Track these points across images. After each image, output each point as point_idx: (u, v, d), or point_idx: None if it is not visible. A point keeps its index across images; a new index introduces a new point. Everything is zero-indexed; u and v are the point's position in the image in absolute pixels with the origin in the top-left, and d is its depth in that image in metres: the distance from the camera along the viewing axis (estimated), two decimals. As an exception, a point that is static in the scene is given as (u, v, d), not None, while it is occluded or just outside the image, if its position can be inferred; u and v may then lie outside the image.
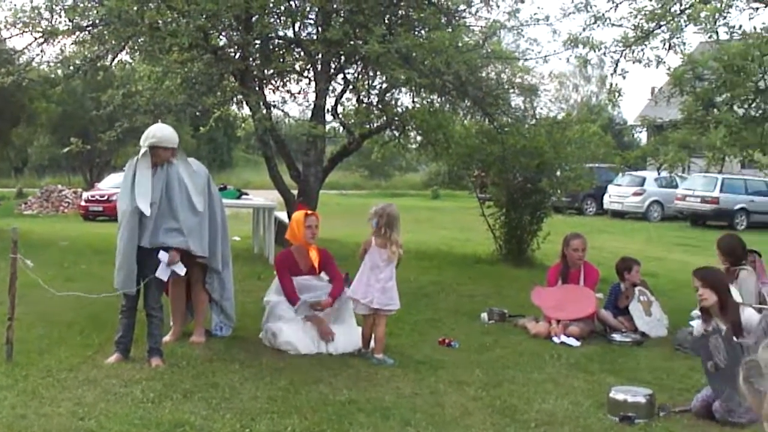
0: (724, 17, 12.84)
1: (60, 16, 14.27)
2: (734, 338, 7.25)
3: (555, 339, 10.46)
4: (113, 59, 16.18)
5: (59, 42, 14.89)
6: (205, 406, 7.02)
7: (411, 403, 7.47)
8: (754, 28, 12.91)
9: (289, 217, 15.90)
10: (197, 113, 16.79)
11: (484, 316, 11.68)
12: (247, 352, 9.01)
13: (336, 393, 7.66)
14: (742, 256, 10.95)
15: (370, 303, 9.01)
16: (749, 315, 7.25)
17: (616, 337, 10.82)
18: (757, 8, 12.86)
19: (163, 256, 8.40)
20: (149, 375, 7.92)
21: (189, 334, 9.57)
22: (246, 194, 18.25)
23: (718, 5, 12.57)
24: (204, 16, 13.21)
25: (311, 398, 7.44)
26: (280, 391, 7.61)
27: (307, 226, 9.54)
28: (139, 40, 14.79)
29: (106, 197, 28.33)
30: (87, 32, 14.66)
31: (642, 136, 45.86)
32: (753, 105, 13.18)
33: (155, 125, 8.91)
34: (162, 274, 8.44)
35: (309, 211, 9.85)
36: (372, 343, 9.17)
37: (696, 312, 10.73)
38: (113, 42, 14.60)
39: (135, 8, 13.28)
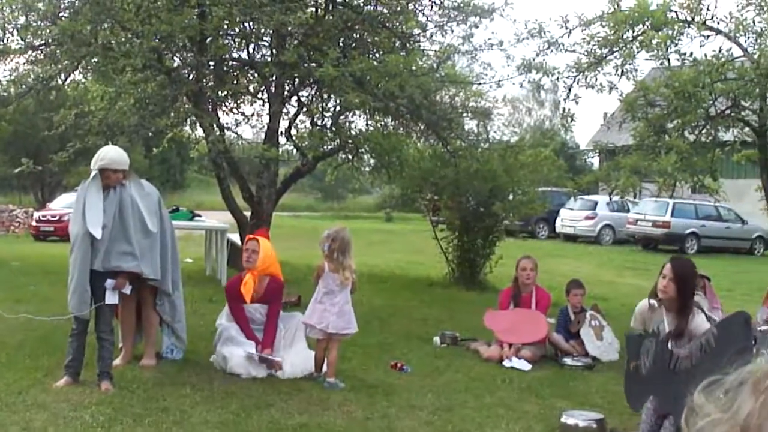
0: (676, 44, 13.06)
1: (12, 35, 14.18)
2: (668, 343, 7.29)
3: (506, 362, 10.49)
4: (66, 79, 16.07)
5: (11, 60, 14.78)
6: (155, 431, 6.97)
7: (363, 428, 7.47)
8: (705, 55, 13.14)
9: (242, 239, 15.86)
10: (150, 134, 16.68)
11: (437, 339, 11.69)
12: (198, 376, 8.94)
13: (287, 417, 7.63)
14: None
15: (325, 328, 8.97)
16: (700, 322, 7.24)
17: (568, 361, 10.87)
18: (708, 36, 13.06)
19: (109, 283, 8.33)
20: (99, 399, 7.84)
21: (140, 356, 9.49)
22: (198, 216, 18.17)
23: (670, 33, 12.76)
24: (158, 38, 13.17)
25: (262, 423, 7.40)
26: (231, 415, 7.57)
27: (244, 250, 9.48)
28: (93, 61, 14.71)
29: (57, 217, 28.05)
30: (40, 51, 14.56)
31: (594, 161, 46.22)
32: (703, 131, 13.37)
33: (105, 147, 8.84)
34: (110, 299, 8.38)
35: (252, 235, 9.79)
36: (324, 367, 9.14)
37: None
38: (66, 62, 14.51)
39: (88, 28, 13.21)
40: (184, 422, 7.27)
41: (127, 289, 8.58)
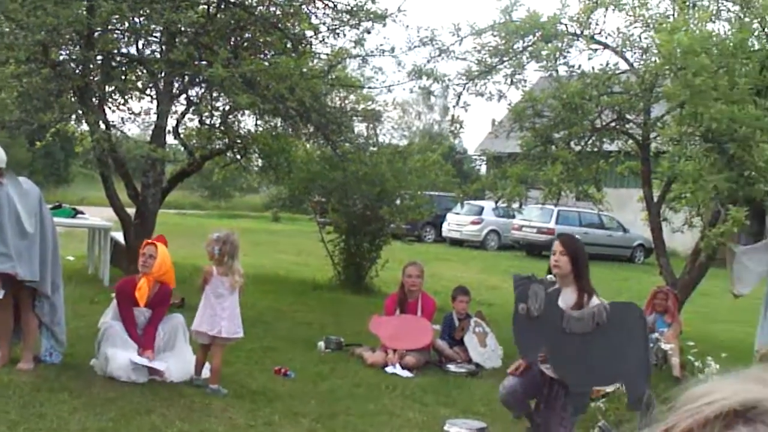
0: (565, 56, 13.25)
1: None
2: (557, 299, 7.42)
3: (389, 368, 10.52)
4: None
5: None
6: (31, 438, 6.81)
7: (245, 436, 7.40)
8: (593, 68, 13.37)
9: (126, 237, 15.61)
10: (33, 129, 16.31)
11: (321, 344, 11.66)
12: (77, 381, 8.74)
13: (168, 425, 7.53)
14: None
15: (218, 333, 8.86)
16: (595, 302, 7.37)
17: (451, 367, 10.95)
18: (596, 50, 13.27)
19: None
20: (-27, 404, 7.64)
21: (16, 360, 9.24)
22: (82, 213, 17.82)
23: (559, 45, 12.95)
24: (44, 30, 12.88)
25: (143, 430, 7.29)
26: (111, 422, 7.43)
27: (141, 254, 9.32)
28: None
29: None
30: None
31: (482, 166, 46.64)
32: (589, 142, 13.58)
33: None
34: None
35: (150, 240, 9.63)
36: (205, 372, 9.04)
37: None
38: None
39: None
40: (62, 429, 7.12)
41: (0, 293, 8.35)
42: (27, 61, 13.58)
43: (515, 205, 13.27)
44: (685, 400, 1.16)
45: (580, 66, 13.56)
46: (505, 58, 13.22)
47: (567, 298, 7.37)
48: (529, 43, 13.02)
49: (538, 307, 7.34)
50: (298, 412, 8.31)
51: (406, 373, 10.46)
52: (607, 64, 13.41)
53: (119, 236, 16.49)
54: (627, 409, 8.07)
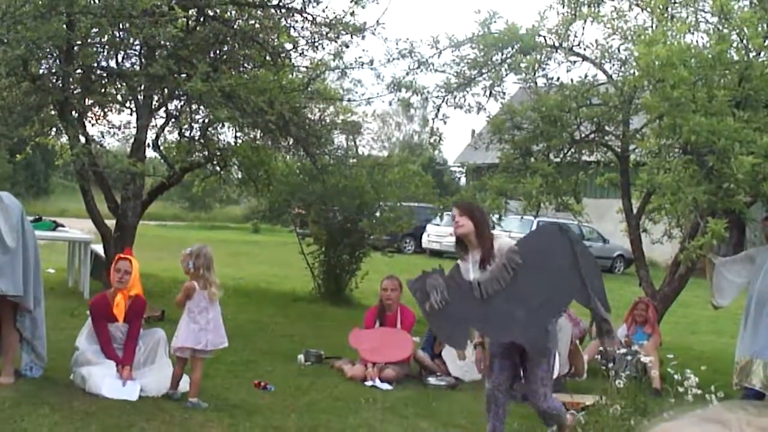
0: (543, 69, 13.32)
1: None
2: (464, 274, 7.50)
3: (369, 382, 10.55)
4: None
5: None
6: (12, 453, 6.81)
7: (225, 450, 7.42)
8: (572, 80, 13.43)
9: (105, 250, 15.60)
10: (13, 143, 16.28)
11: (301, 357, 11.69)
12: (57, 395, 8.73)
13: (148, 439, 7.54)
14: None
15: (205, 347, 8.88)
16: (504, 243, 7.41)
17: (431, 380, 10.98)
18: (575, 62, 13.33)
19: None
20: (-47, 419, 7.64)
21: (-3, 374, 9.25)
22: (62, 225, 17.82)
23: (538, 57, 13.00)
24: (23, 45, 12.87)
25: (123, 445, 7.30)
26: (91, 437, 7.44)
27: (115, 270, 9.31)
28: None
29: None
30: None
31: (461, 177, 46.66)
32: (568, 154, 13.63)
33: None
34: None
35: (123, 255, 9.63)
36: (183, 385, 9.05)
37: None
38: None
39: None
40: (42, 444, 7.13)
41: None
42: (7, 75, 13.57)
43: (495, 217, 13.31)
44: None
45: (558, 78, 13.64)
46: (483, 71, 13.26)
47: (476, 259, 7.41)
48: (508, 55, 13.05)
49: (442, 297, 7.42)
50: (278, 425, 8.33)
51: (386, 386, 10.49)
52: (586, 76, 13.49)
53: (99, 249, 16.49)
54: (593, 318, 8.07)
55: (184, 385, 9.08)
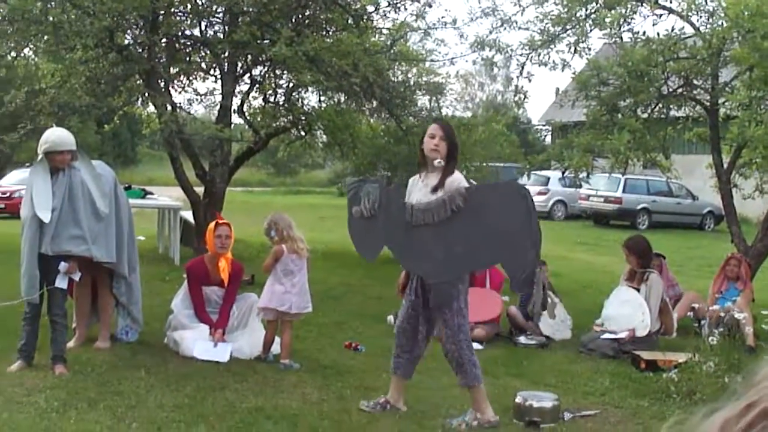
0: (629, 23, 13.10)
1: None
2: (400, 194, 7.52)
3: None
4: (16, 57, 15.90)
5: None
6: (111, 416, 6.95)
7: (318, 410, 7.48)
8: (658, 34, 13.20)
9: (195, 216, 15.80)
10: (102, 113, 16.53)
11: (390, 318, 11.70)
12: (153, 358, 8.91)
13: (242, 400, 7.64)
14: (651, 258, 11.17)
15: (289, 309, 8.98)
16: (457, 178, 7.28)
17: (521, 339, 10.95)
18: (661, 15, 13.11)
19: (62, 266, 8.24)
20: (53, 383, 7.80)
21: (94, 338, 9.44)
22: (151, 194, 18.07)
23: (623, 11, 12.79)
24: (109, 16, 13.03)
25: (218, 406, 7.40)
26: (187, 398, 7.56)
27: (216, 236, 9.44)
28: (44, 38, 14.51)
29: (8, 194, 27.65)
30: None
31: (547, 135, 46.30)
32: (656, 109, 13.43)
33: (49, 130, 8.65)
34: (60, 283, 8.28)
35: (220, 220, 9.75)
36: (275, 349, 9.16)
37: (599, 320, 10.95)
38: (16, 39, 14.32)
39: (38, 5, 13.06)
40: (139, 406, 7.26)
41: (76, 276, 8.48)
42: (94, 47, 13.76)
43: (582, 175, 13.19)
44: (766, 376, 1.16)
45: (644, 32, 13.41)
46: (568, 27, 13.11)
47: (429, 183, 7.33)
48: (593, 11, 12.89)
49: (371, 207, 7.38)
50: (369, 386, 8.37)
51: (476, 346, 10.46)
52: (673, 29, 13.27)
53: (188, 216, 16.70)
54: (511, 289, 7.98)
55: (276, 348, 9.19)
